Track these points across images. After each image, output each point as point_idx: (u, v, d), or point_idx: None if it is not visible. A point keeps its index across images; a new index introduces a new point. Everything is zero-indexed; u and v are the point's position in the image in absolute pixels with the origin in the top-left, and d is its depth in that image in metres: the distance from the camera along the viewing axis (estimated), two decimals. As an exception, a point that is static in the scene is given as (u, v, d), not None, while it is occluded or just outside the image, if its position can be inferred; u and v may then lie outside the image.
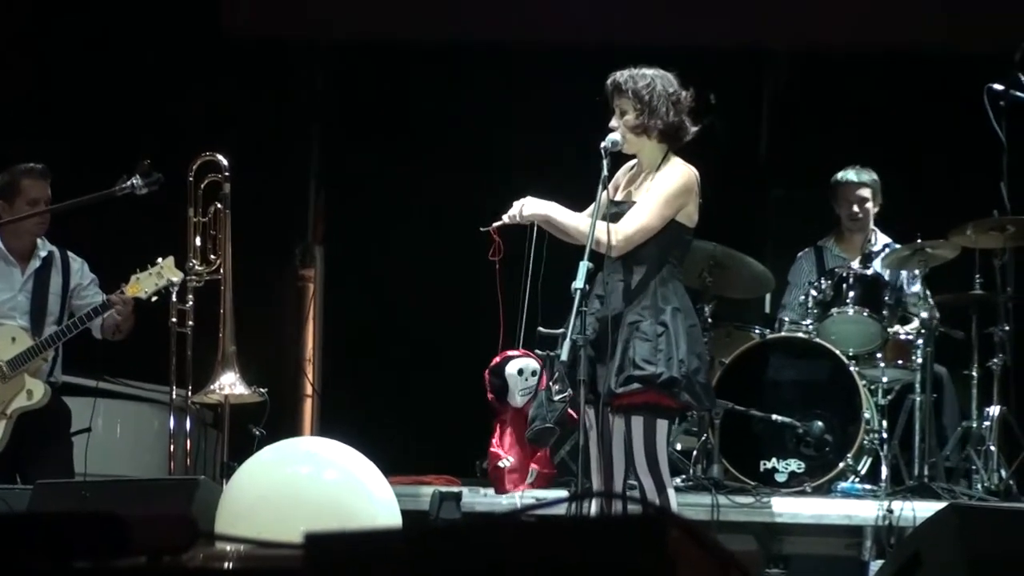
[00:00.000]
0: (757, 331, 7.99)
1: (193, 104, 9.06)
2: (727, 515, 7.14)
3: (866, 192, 8.21)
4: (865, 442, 7.56)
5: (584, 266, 5.47)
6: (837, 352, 7.59)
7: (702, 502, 7.14)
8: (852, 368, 7.58)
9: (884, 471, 7.50)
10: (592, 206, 5.68)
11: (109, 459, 7.83)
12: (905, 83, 9.31)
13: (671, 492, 5.79)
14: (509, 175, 8.28)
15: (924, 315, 7.67)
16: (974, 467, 7.55)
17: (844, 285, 7.78)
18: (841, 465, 7.48)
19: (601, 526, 1.93)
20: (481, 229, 5.80)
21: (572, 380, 5.56)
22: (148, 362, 7.63)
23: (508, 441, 6.91)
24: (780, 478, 7.50)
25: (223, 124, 8.87)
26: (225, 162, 7.04)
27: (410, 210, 9.59)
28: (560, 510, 5.75)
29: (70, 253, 7.32)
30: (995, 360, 7.56)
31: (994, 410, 7.53)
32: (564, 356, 5.45)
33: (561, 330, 5.56)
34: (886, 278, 7.96)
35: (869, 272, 7.89)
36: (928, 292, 7.77)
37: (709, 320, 7.76)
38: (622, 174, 5.95)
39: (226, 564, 2.18)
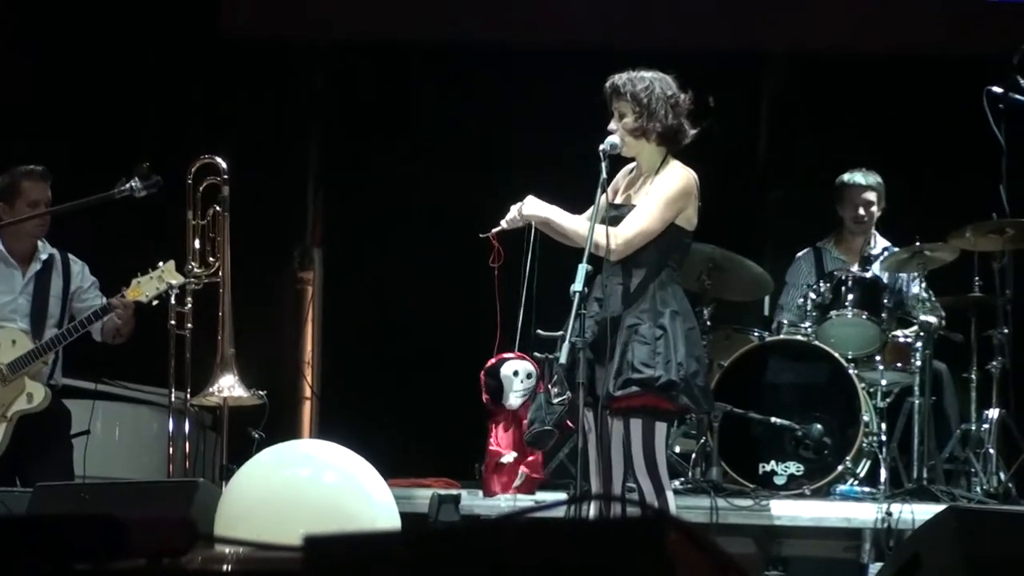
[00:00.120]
0: (756, 334, 7.99)
1: (192, 105, 9.06)
2: (726, 518, 7.14)
3: (872, 196, 8.20)
4: (864, 445, 7.57)
5: (583, 269, 5.47)
6: (836, 355, 7.59)
7: (701, 505, 7.14)
8: (851, 371, 7.58)
9: (883, 474, 7.50)
10: (591, 209, 5.68)
11: (108, 461, 7.82)
12: (904, 85, 9.31)
13: (670, 495, 5.79)
14: (509, 176, 8.28)
15: (930, 319, 7.66)
16: (973, 470, 7.55)
17: (843, 288, 7.78)
18: (840, 468, 7.48)
19: (600, 529, 1.93)
20: (480, 235, 5.80)
21: (571, 383, 5.56)
22: (147, 364, 7.63)
23: (502, 443, 6.92)
24: (779, 481, 7.51)
25: (222, 125, 8.87)
26: (224, 165, 7.04)
27: (409, 212, 9.59)
28: (559, 513, 5.75)
29: (71, 256, 7.32)
30: (994, 363, 7.56)
31: (993, 413, 7.53)
32: (563, 359, 5.45)
33: (560, 333, 5.56)
34: (885, 281, 7.96)
35: (868, 275, 7.89)
36: (931, 293, 7.77)
37: (708, 323, 7.76)
38: (621, 177, 5.95)
39: (225, 567, 2.18)
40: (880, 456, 7.58)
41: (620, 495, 5.67)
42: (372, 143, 9.67)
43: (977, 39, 8.96)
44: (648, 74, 5.78)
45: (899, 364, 7.77)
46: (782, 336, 7.86)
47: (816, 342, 7.69)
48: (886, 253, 8.01)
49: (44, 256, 7.24)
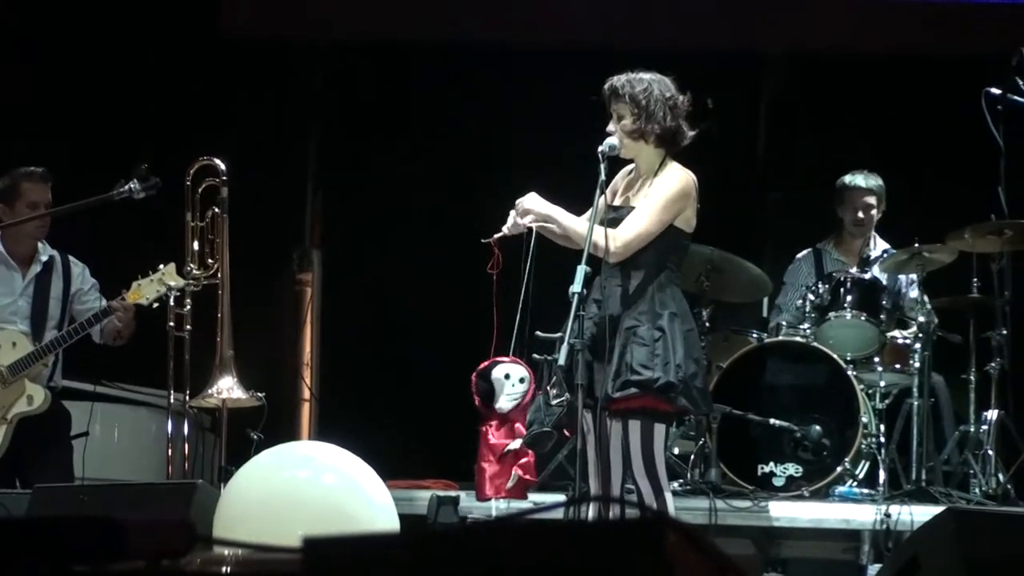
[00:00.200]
0: (755, 335, 7.99)
1: (192, 105, 9.05)
2: (725, 519, 7.14)
3: (872, 199, 8.20)
4: (863, 446, 7.56)
5: (582, 270, 5.47)
6: (835, 356, 7.59)
7: (700, 506, 7.14)
8: (850, 372, 7.58)
9: (882, 475, 7.49)
10: (590, 211, 5.69)
11: (107, 463, 7.82)
12: (903, 86, 9.31)
13: (669, 496, 5.79)
14: (509, 176, 8.26)
15: (922, 319, 7.67)
16: (972, 471, 7.55)
17: (842, 289, 7.78)
18: (839, 469, 7.48)
19: (599, 530, 1.93)
20: (482, 240, 5.80)
21: (570, 384, 5.56)
22: (146, 366, 7.63)
23: (492, 445, 6.90)
24: (778, 482, 7.51)
25: (222, 125, 8.87)
26: (223, 166, 7.04)
27: (408, 213, 9.58)
28: (558, 514, 5.75)
29: (71, 257, 7.33)
30: (993, 364, 7.56)
31: (992, 414, 7.53)
32: (562, 360, 5.45)
33: (558, 334, 5.56)
34: (884, 282, 7.96)
35: (867, 276, 7.89)
36: (926, 298, 7.77)
37: (707, 324, 7.75)
38: (620, 178, 5.95)
39: (224, 569, 2.18)
40: (879, 457, 7.58)
41: (619, 497, 5.68)
42: (372, 144, 9.67)
43: (976, 40, 8.96)
44: (647, 76, 5.78)
45: (898, 365, 7.77)
46: (781, 338, 7.86)
47: (815, 343, 7.69)
48: (885, 255, 8.01)
49: (44, 258, 7.24)
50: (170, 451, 7.14)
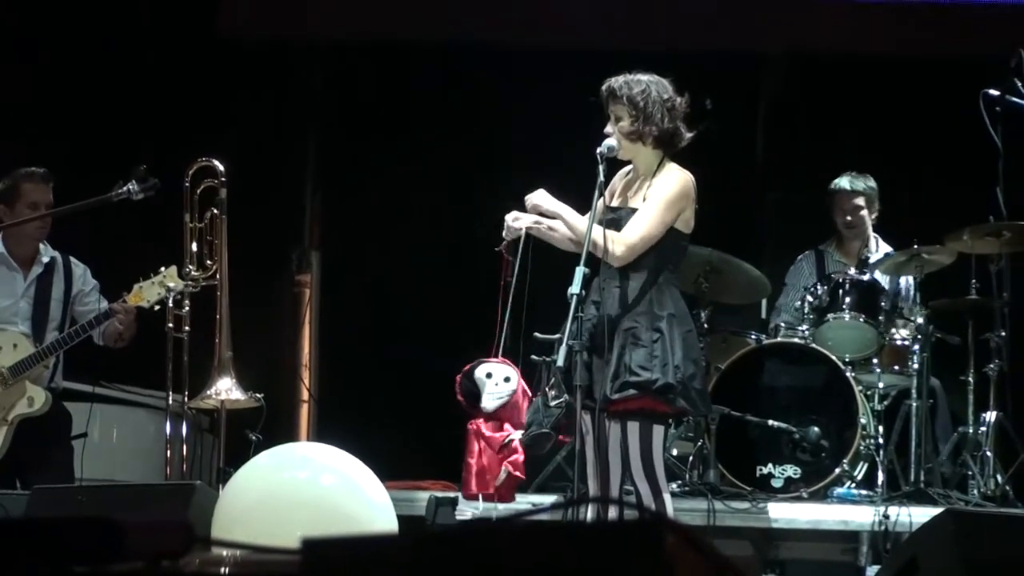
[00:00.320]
0: (753, 336, 7.99)
1: (191, 106, 9.05)
2: (723, 520, 7.14)
3: (860, 200, 8.20)
4: (861, 447, 7.56)
5: (580, 272, 5.48)
6: (833, 358, 7.59)
7: (698, 507, 7.14)
8: (848, 374, 7.58)
9: (880, 476, 7.49)
10: (590, 213, 5.69)
11: (106, 464, 7.82)
12: (902, 87, 9.31)
13: (667, 497, 5.79)
14: (509, 176, 8.27)
15: (920, 321, 7.67)
16: (970, 473, 7.54)
17: (840, 291, 7.78)
18: (837, 471, 7.48)
19: (597, 532, 1.93)
20: (496, 249, 5.81)
21: (568, 385, 5.56)
22: (145, 367, 7.63)
23: (479, 445, 6.86)
24: (776, 483, 7.51)
25: (221, 126, 8.87)
26: (221, 167, 7.03)
27: (407, 214, 9.58)
28: (556, 516, 5.76)
29: (72, 259, 7.32)
30: (991, 366, 7.55)
31: (990, 416, 7.52)
32: (560, 361, 5.45)
33: (557, 336, 5.56)
34: (883, 284, 7.96)
35: (865, 278, 7.89)
36: (918, 300, 7.77)
37: (705, 326, 7.75)
38: (618, 179, 5.96)
39: (223, 569, 2.18)
40: (877, 459, 7.57)
41: (618, 498, 5.68)
42: (371, 144, 9.67)
43: (974, 42, 8.96)
44: (644, 77, 5.79)
45: (896, 367, 7.77)
46: (779, 339, 7.86)
47: (813, 345, 7.69)
48: (886, 257, 8.01)
49: (46, 259, 7.24)
50: (169, 452, 7.14)
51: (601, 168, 5.68)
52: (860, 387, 7.63)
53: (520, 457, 6.92)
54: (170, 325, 6.94)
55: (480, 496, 6.76)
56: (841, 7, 9.43)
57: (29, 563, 1.99)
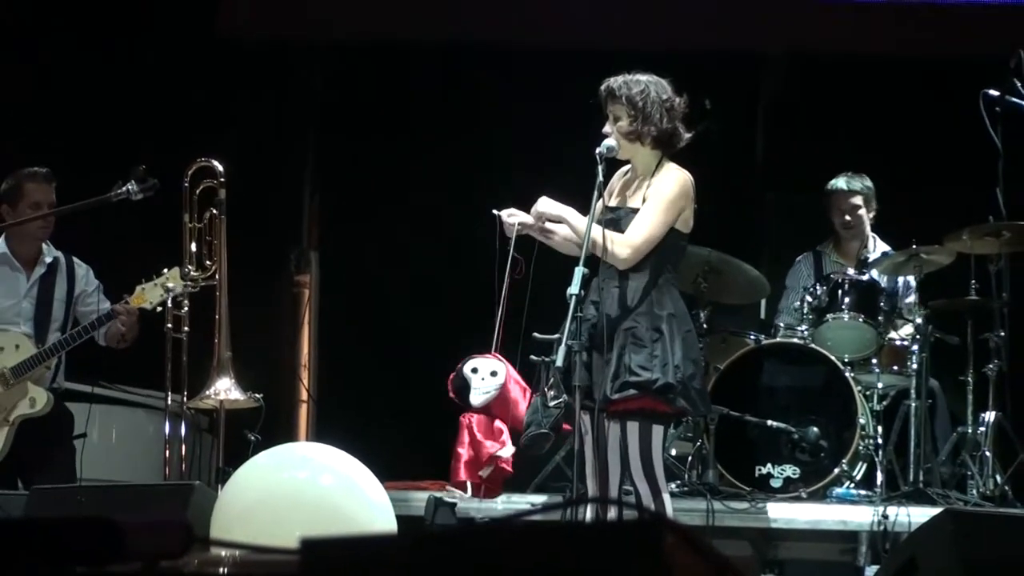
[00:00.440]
0: (752, 337, 7.99)
1: (190, 106, 9.05)
2: (722, 520, 7.14)
3: (857, 200, 8.20)
4: (860, 448, 7.56)
5: (579, 272, 5.48)
6: (832, 358, 7.59)
7: (697, 507, 7.14)
8: (847, 374, 7.58)
9: (879, 477, 7.49)
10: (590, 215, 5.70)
11: (105, 464, 7.81)
12: (901, 88, 9.31)
13: (667, 498, 5.79)
14: (508, 177, 8.28)
15: (919, 321, 7.67)
16: (969, 473, 7.54)
17: (839, 291, 7.78)
18: (836, 471, 7.48)
19: (597, 532, 1.93)
20: (509, 251, 5.81)
21: (567, 386, 5.56)
22: (144, 367, 7.63)
23: (468, 437, 6.85)
24: (775, 483, 7.50)
25: (220, 126, 8.87)
26: (220, 168, 7.03)
27: (407, 214, 9.58)
28: (556, 515, 5.76)
29: (76, 259, 7.33)
30: (990, 366, 7.55)
31: (989, 416, 7.52)
32: (559, 362, 5.45)
33: (556, 336, 5.56)
34: (882, 284, 7.96)
35: (864, 278, 7.89)
36: (917, 301, 7.78)
37: (704, 326, 7.75)
38: (616, 179, 5.96)
39: (222, 569, 2.18)
40: (876, 459, 7.57)
41: (617, 498, 5.68)
42: (370, 144, 9.66)
43: (974, 42, 8.96)
44: (643, 77, 5.79)
45: (895, 367, 7.77)
46: (778, 339, 7.86)
47: (812, 345, 7.69)
48: (884, 257, 8.00)
49: (49, 259, 7.25)
50: (168, 452, 7.13)
51: (600, 168, 5.69)
52: (859, 387, 7.63)
53: (509, 452, 6.90)
54: (169, 325, 6.94)
55: (468, 483, 6.76)
56: (841, 7, 9.42)
57: (28, 563, 1.99)
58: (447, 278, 9.04)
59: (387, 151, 9.58)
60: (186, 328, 6.95)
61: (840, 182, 8.22)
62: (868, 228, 8.26)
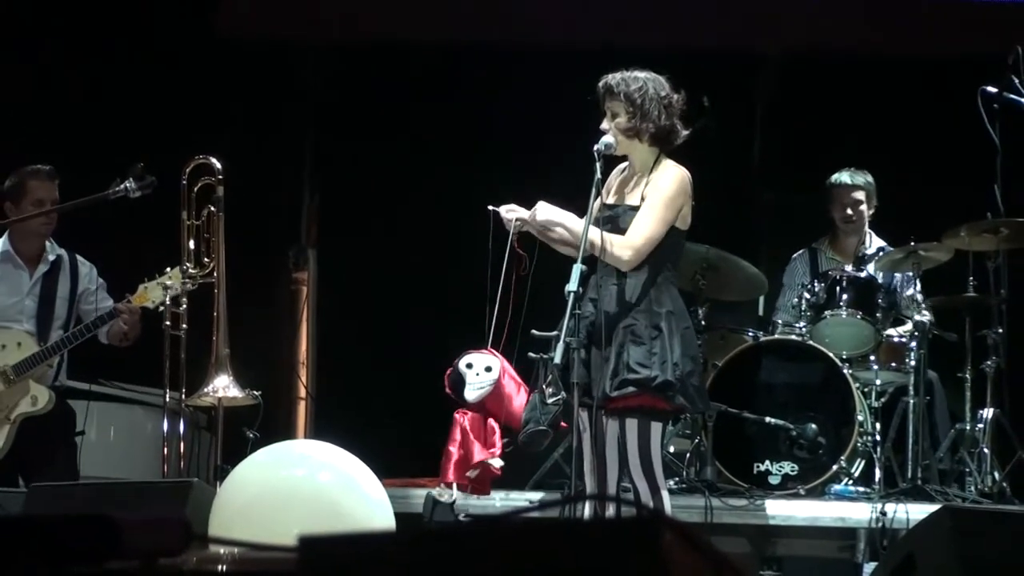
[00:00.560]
0: (750, 334, 7.99)
1: (189, 105, 9.05)
2: (720, 517, 7.14)
3: (860, 195, 8.21)
4: (859, 444, 7.57)
5: (578, 269, 5.48)
6: (830, 354, 7.59)
7: (695, 504, 7.15)
8: (846, 370, 7.58)
9: (878, 473, 7.50)
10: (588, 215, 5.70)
11: (103, 462, 7.82)
12: (899, 85, 9.31)
13: (665, 495, 5.79)
14: (508, 176, 8.28)
15: (918, 317, 7.67)
16: (967, 469, 7.55)
17: (837, 288, 7.78)
18: (834, 467, 7.48)
19: (595, 529, 1.93)
20: (520, 252, 5.81)
21: (565, 383, 5.56)
22: (142, 365, 7.62)
23: (461, 435, 6.84)
24: (773, 480, 7.51)
25: (220, 126, 8.87)
26: (218, 165, 7.02)
27: (405, 212, 9.58)
28: (554, 513, 5.76)
29: (79, 257, 7.33)
30: (988, 363, 7.56)
31: (987, 412, 7.53)
32: (557, 359, 5.45)
33: (554, 333, 5.57)
34: (879, 281, 7.96)
35: (862, 275, 7.89)
36: (922, 296, 7.78)
37: (703, 323, 7.75)
38: (614, 177, 5.96)
39: (220, 567, 2.18)
40: (875, 456, 7.58)
41: (615, 495, 5.68)
42: (369, 143, 9.66)
43: (972, 39, 8.96)
44: (641, 74, 5.79)
45: (893, 364, 7.77)
46: (776, 336, 7.87)
47: (810, 342, 7.69)
48: (881, 253, 8.01)
49: (52, 257, 7.25)
50: (166, 450, 7.13)
51: (598, 165, 5.68)
52: (857, 384, 7.63)
53: (499, 464, 6.91)
54: (167, 323, 6.94)
55: (455, 485, 6.76)
56: (839, 7, 9.43)
57: (26, 561, 1.99)
58: (446, 276, 9.04)
59: (385, 150, 9.58)
60: (184, 325, 6.94)
61: (844, 176, 8.22)
62: (866, 224, 8.27)
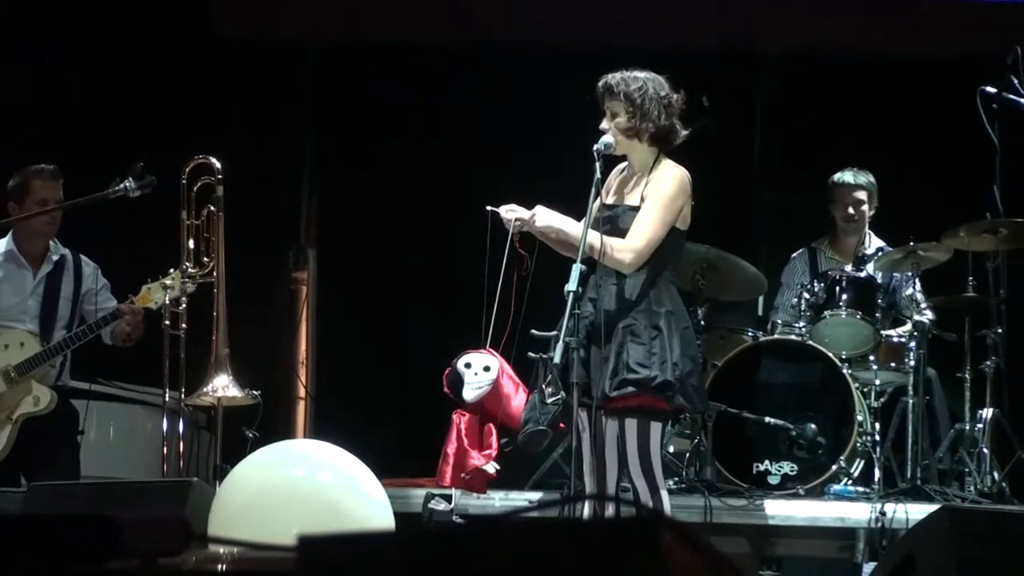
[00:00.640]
0: (750, 334, 7.99)
1: (188, 104, 9.05)
2: (720, 517, 7.14)
3: (862, 195, 8.21)
4: (858, 444, 7.57)
5: (577, 268, 5.48)
6: (830, 355, 7.59)
7: (695, 504, 7.15)
8: (845, 371, 7.58)
9: (877, 473, 7.50)
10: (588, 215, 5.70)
11: (102, 461, 7.81)
12: (898, 85, 9.31)
13: (664, 494, 5.79)
14: (508, 176, 8.28)
15: (917, 317, 7.68)
16: (967, 469, 7.55)
17: (837, 288, 7.79)
18: (834, 467, 7.48)
19: (594, 529, 1.93)
20: (520, 251, 5.81)
21: (565, 383, 5.56)
22: (141, 364, 7.62)
23: (456, 438, 6.83)
24: (773, 480, 7.51)
25: (219, 125, 8.86)
26: (218, 165, 7.02)
27: (405, 212, 9.58)
28: (553, 512, 5.76)
29: (83, 257, 7.33)
30: (988, 363, 7.56)
31: (987, 412, 7.53)
32: (557, 358, 5.45)
33: (554, 333, 5.56)
34: (879, 281, 7.97)
35: (862, 275, 7.89)
36: (923, 296, 7.78)
37: (702, 323, 7.76)
38: (613, 176, 5.96)
39: (219, 567, 2.18)
40: (874, 456, 7.58)
41: (615, 495, 5.68)
42: (369, 143, 9.66)
43: (972, 39, 8.96)
44: (641, 74, 5.79)
45: (893, 364, 7.77)
46: (776, 336, 7.87)
47: (810, 342, 7.69)
48: (880, 253, 8.01)
49: (56, 257, 7.25)
50: (165, 449, 7.12)
51: (598, 165, 5.68)
52: (857, 384, 7.64)
53: (493, 452, 6.89)
54: (167, 322, 6.94)
55: (452, 489, 6.76)
56: (839, 7, 9.43)
57: (27, 561, 1.99)
58: (446, 276, 9.04)
59: (385, 149, 9.58)
60: (184, 325, 6.94)
61: (847, 175, 8.22)
62: (867, 224, 8.27)
